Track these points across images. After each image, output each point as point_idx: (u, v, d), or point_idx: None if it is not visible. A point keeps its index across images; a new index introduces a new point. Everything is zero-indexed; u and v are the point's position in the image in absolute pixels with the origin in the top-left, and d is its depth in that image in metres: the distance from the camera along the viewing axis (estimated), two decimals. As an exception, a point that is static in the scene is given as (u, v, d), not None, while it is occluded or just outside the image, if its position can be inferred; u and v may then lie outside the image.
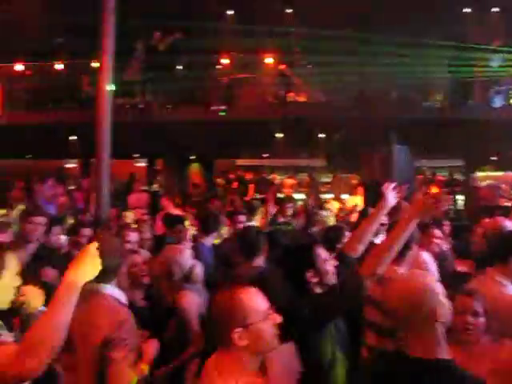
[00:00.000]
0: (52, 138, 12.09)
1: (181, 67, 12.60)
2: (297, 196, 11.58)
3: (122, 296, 2.66)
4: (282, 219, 7.30)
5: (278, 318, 1.94)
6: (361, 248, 3.23)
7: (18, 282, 2.29)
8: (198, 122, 11.31)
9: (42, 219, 4.25)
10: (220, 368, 1.90)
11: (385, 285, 2.77)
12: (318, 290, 2.72)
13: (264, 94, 12.65)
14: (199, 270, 3.54)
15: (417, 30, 11.27)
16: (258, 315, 1.90)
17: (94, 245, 1.99)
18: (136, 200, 9.90)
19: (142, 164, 16.33)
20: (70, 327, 1.86)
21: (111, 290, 2.61)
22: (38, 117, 12.12)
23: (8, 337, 2.44)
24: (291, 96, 12.71)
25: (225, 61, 12.84)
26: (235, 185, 13.80)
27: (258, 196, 11.45)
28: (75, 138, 12.58)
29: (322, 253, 2.82)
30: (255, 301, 1.94)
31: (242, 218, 5.86)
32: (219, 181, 14.90)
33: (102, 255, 2.54)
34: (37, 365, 1.76)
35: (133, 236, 4.25)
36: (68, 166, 16.40)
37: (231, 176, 15.03)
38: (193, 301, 3.42)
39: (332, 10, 12.29)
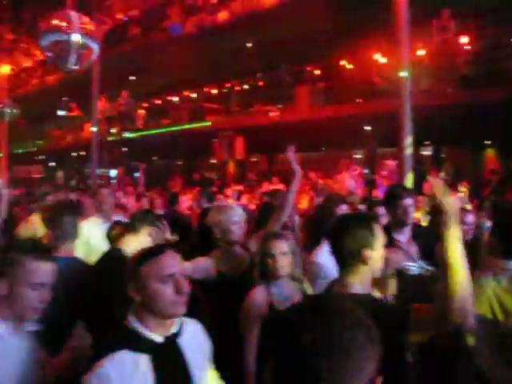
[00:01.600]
0: (344, 130, 12.74)
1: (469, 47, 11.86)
2: None
3: None
4: None
5: None
6: None
7: None
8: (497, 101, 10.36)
9: None
10: None
11: None
12: None
13: None
14: None
15: None
16: None
17: None
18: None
19: (428, 152, 15.91)
20: None
21: None
22: (333, 111, 12.95)
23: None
24: None
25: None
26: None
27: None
28: (369, 128, 12.98)
29: None
30: None
31: None
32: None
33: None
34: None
35: (469, 217, 4.28)
36: (355, 156, 17.01)
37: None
38: None
39: None
